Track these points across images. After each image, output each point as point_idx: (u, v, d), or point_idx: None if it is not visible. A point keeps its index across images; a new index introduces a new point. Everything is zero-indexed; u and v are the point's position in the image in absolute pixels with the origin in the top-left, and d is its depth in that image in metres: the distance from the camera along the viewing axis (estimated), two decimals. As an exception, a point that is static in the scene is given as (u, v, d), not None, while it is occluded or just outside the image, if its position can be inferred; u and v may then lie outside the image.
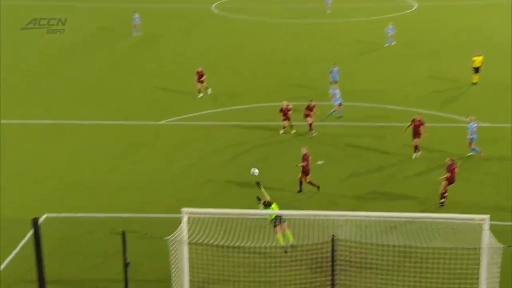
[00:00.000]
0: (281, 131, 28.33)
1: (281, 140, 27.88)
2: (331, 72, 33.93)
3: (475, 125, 25.40)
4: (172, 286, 15.47)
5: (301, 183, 22.58)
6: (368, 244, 16.82)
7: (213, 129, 29.28)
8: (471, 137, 25.41)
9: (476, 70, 35.05)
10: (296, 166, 22.64)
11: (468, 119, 25.89)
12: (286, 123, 28.20)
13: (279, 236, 17.94)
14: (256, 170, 19.95)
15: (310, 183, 22.53)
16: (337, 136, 28.26)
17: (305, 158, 22.32)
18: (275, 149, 26.90)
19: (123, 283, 14.86)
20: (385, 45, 43.76)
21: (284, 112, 28.03)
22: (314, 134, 27.94)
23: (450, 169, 21.41)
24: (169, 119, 30.50)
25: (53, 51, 43.86)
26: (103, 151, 26.95)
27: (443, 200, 21.58)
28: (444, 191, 21.58)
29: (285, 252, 17.69)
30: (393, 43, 43.81)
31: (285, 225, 17.95)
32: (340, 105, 30.29)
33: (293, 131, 28.31)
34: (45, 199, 22.49)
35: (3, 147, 27.35)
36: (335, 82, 33.15)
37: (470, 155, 25.56)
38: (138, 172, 24.79)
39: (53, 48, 44.71)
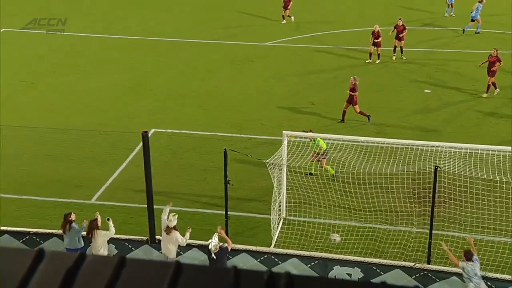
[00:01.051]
0: (367, 61, 27.12)
1: (380, 63, 27.11)
2: (447, -7, 32.41)
3: None
4: (272, 206, 15.83)
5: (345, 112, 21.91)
6: (471, 178, 16.29)
7: (312, 53, 28.88)
8: None
9: None
10: (346, 92, 21.96)
11: None
12: (372, 48, 26.87)
13: (328, 167, 18.11)
14: (337, 238, 15.87)
15: (360, 113, 21.79)
16: (442, 61, 27.09)
17: (350, 87, 21.71)
18: (368, 72, 26.18)
19: (223, 199, 15.37)
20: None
21: (375, 37, 26.56)
22: (404, 59, 27.08)
23: None
24: (274, 41, 30.38)
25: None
26: (211, 69, 27.37)
27: None
28: None
29: (336, 176, 17.77)
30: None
31: (326, 159, 18.16)
32: (477, 21, 29.43)
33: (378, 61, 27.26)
34: (154, 113, 23.33)
35: (116, 62, 28.48)
36: (451, 5, 31.79)
37: None
38: (243, 92, 25.09)
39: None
